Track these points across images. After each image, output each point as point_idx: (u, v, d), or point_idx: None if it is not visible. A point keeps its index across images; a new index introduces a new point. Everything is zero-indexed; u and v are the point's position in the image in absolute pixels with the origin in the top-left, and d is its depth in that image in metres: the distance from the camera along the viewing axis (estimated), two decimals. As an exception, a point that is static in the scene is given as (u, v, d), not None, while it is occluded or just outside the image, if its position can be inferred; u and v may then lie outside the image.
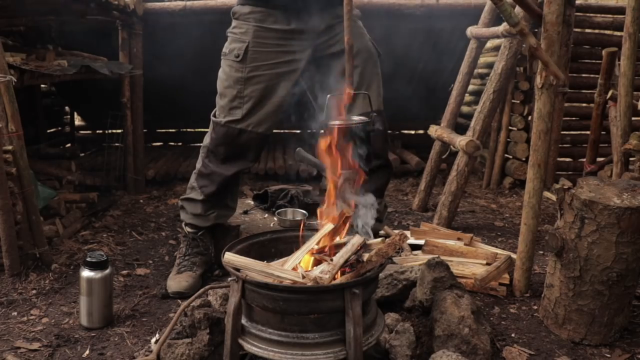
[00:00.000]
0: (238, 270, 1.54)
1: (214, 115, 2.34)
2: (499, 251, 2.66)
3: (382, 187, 2.49)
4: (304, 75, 2.36)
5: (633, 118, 2.76)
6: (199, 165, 2.42)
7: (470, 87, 4.45)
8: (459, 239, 2.78)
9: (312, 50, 2.25)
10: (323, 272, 1.51)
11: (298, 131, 5.67)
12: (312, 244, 1.64)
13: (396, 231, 2.07)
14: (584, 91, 4.23)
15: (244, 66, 2.23)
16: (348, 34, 1.70)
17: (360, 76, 2.25)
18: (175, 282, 2.31)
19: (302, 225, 1.77)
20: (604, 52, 3.21)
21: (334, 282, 1.50)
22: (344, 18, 1.68)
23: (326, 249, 1.64)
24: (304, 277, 1.50)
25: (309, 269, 1.60)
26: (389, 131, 5.63)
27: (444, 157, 3.64)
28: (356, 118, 1.75)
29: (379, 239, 1.67)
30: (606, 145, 3.53)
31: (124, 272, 2.54)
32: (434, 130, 3.60)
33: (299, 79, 2.32)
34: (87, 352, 1.86)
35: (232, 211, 2.57)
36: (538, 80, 2.22)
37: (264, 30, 2.21)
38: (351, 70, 1.71)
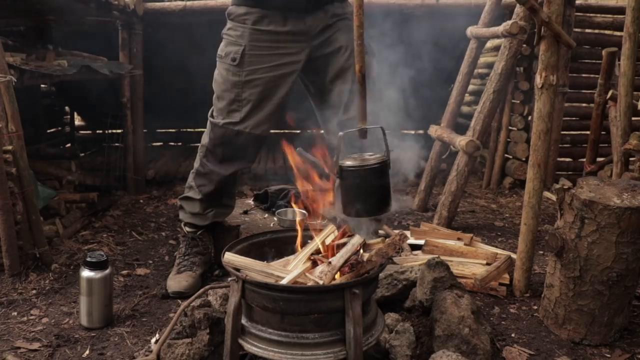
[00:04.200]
0: (238, 270, 1.54)
1: (212, 116, 2.33)
2: (499, 251, 2.66)
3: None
4: (302, 76, 2.35)
5: (633, 118, 2.76)
6: (196, 164, 2.42)
7: (470, 87, 4.45)
8: (459, 239, 2.78)
9: (309, 50, 2.24)
10: (323, 273, 1.51)
11: (298, 131, 5.67)
12: (313, 246, 1.64)
13: (396, 231, 2.07)
14: (584, 91, 4.24)
15: (241, 70, 2.21)
16: (360, 62, 1.59)
17: (353, 77, 2.24)
18: (175, 281, 2.32)
19: (300, 226, 1.77)
20: (604, 52, 3.21)
21: (334, 282, 1.50)
22: (355, 43, 1.61)
23: (326, 250, 1.64)
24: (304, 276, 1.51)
25: (309, 269, 1.60)
26: (388, 131, 5.65)
27: (444, 157, 3.64)
28: (371, 158, 1.61)
29: (379, 239, 1.68)
30: (606, 145, 3.53)
31: (124, 272, 2.54)
32: (434, 130, 3.60)
33: (298, 80, 2.32)
34: (87, 352, 1.86)
35: (230, 209, 2.57)
36: (538, 80, 2.22)
37: (259, 32, 2.20)
38: (364, 108, 1.63)
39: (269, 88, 2.24)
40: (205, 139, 2.38)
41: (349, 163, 1.59)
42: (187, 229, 2.49)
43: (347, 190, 1.60)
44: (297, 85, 2.38)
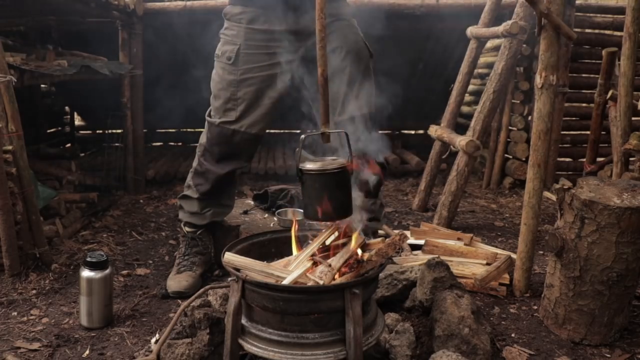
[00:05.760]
0: (238, 270, 1.54)
1: (209, 115, 2.35)
2: (499, 251, 2.65)
3: (376, 187, 2.49)
4: (298, 75, 2.34)
5: (633, 118, 2.76)
6: (195, 163, 2.43)
7: (470, 87, 4.46)
8: (459, 239, 2.78)
9: (304, 50, 2.24)
10: (323, 273, 1.51)
11: (298, 131, 5.67)
12: (314, 248, 1.64)
13: (396, 231, 2.07)
14: (584, 91, 4.23)
15: (237, 69, 2.23)
16: (322, 65, 1.57)
17: (350, 78, 2.24)
18: (175, 281, 2.32)
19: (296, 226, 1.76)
20: (604, 52, 3.21)
21: (334, 282, 1.50)
22: (317, 47, 1.58)
23: (326, 250, 1.64)
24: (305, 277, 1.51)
25: (310, 270, 1.60)
26: (389, 131, 5.66)
27: (444, 157, 3.64)
28: (333, 163, 1.57)
29: (379, 239, 1.67)
30: (606, 145, 3.53)
31: (124, 272, 2.54)
32: (434, 130, 3.60)
33: (293, 79, 2.31)
34: (87, 352, 1.86)
35: (229, 209, 2.57)
36: (538, 80, 2.22)
37: (254, 32, 2.21)
38: (326, 111, 1.60)
39: (264, 87, 2.25)
40: (203, 139, 2.39)
41: (308, 166, 1.57)
42: (186, 228, 2.49)
43: (306, 193, 1.59)
44: (294, 84, 2.38)
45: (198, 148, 2.42)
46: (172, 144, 5.61)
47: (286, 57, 2.23)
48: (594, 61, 4.18)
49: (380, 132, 2.47)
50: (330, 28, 2.22)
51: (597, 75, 3.41)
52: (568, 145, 4.32)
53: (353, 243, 1.61)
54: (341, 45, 2.22)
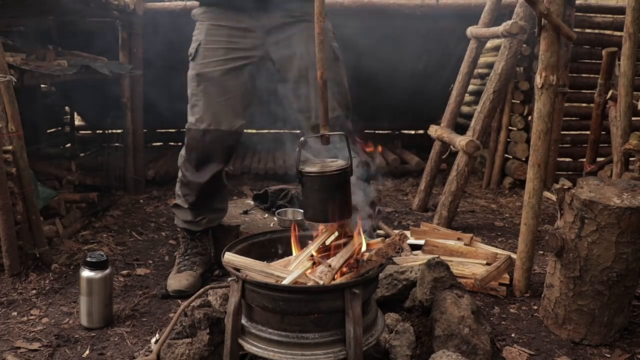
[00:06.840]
0: (238, 270, 1.54)
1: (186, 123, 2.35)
2: (499, 251, 2.65)
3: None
4: (261, 73, 2.31)
5: (633, 118, 2.76)
6: (179, 174, 2.44)
7: (470, 87, 4.45)
8: (459, 239, 2.78)
9: (265, 48, 2.24)
10: (323, 273, 1.51)
11: (298, 131, 5.66)
12: (314, 247, 1.64)
13: (396, 231, 2.07)
14: (584, 91, 4.24)
15: (196, 64, 2.26)
16: (321, 68, 1.57)
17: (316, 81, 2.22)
18: (176, 280, 2.32)
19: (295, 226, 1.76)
20: (604, 52, 3.21)
21: (334, 282, 1.50)
22: (316, 49, 1.57)
23: (327, 250, 1.64)
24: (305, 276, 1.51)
25: (310, 270, 1.60)
26: (389, 131, 5.66)
27: (444, 157, 3.64)
28: (332, 165, 1.58)
29: (379, 239, 1.68)
30: (606, 145, 3.53)
31: (124, 272, 2.54)
32: (434, 130, 3.60)
33: (260, 77, 2.30)
34: (87, 352, 1.86)
35: (223, 212, 2.56)
36: (538, 80, 2.22)
37: (216, 27, 2.24)
38: (325, 113, 1.59)
39: (223, 81, 2.24)
40: (182, 149, 2.40)
41: (308, 168, 1.57)
42: (184, 232, 2.49)
43: (306, 195, 1.60)
44: (261, 83, 2.35)
45: (179, 159, 2.43)
46: (172, 144, 5.61)
47: (245, 52, 2.24)
48: (594, 61, 4.18)
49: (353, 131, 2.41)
50: (294, 28, 2.19)
51: (597, 75, 3.41)
52: (568, 145, 4.32)
53: (353, 243, 1.61)
54: (305, 47, 2.12)
